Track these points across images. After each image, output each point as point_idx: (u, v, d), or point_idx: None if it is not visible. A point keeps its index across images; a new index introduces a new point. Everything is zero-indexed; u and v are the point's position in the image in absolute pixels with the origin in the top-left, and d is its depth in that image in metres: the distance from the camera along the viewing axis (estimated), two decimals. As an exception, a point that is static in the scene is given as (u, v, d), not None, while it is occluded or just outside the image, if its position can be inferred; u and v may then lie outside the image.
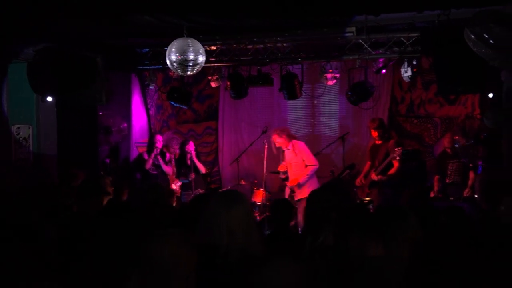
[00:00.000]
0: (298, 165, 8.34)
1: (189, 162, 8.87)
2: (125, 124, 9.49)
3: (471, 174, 8.12)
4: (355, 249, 2.77)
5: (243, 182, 9.61)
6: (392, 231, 2.76)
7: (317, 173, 8.62)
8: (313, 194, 4.14)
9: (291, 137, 8.52)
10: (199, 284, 2.26)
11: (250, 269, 2.02)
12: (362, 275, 2.61)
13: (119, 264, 2.67)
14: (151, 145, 8.97)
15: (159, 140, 8.96)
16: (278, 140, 8.40)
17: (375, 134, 8.39)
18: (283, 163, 8.57)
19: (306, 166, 8.29)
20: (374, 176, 8.15)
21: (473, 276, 2.65)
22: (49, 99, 7.76)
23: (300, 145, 8.44)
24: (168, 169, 9.10)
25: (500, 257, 2.86)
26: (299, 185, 8.22)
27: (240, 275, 2.40)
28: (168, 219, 4.25)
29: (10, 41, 7.16)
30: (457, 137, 8.62)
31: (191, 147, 8.92)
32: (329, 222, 3.59)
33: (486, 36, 4.61)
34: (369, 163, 8.60)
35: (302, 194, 8.00)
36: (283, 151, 8.52)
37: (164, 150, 9.28)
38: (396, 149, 7.98)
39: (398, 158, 7.96)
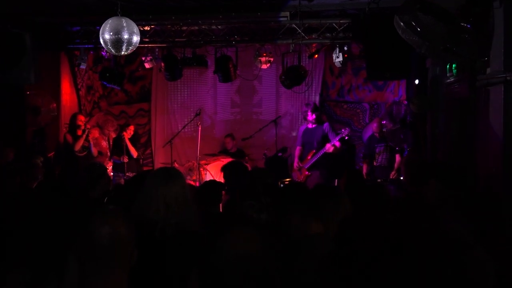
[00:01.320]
0: None
1: (123, 144, 8.75)
2: (54, 105, 9.21)
3: (398, 157, 8.44)
4: (296, 227, 2.85)
5: (176, 165, 9.59)
6: (330, 209, 2.87)
7: (251, 156, 8.76)
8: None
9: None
10: (139, 259, 2.28)
11: (206, 240, 2.06)
12: (304, 252, 2.70)
13: (55, 246, 2.64)
14: (72, 125, 8.75)
15: (82, 120, 8.77)
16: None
17: (312, 117, 8.47)
18: None
19: None
20: (329, 147, 8.18)
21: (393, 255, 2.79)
22: (-27, 77, 7.44)
23: None
24: (95, 151, 8.93)
25: (421, 236, 3.02)
26: None
27: (180, 248, 2.45)
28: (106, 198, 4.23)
29: None
30: (384, 122, 8.94)
31: (130, 131, 8.86)
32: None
33: (414, 24, 4.80)
34: (299, 147, 8.70)
35: None
36: None
37: (92, 131, 9.09)
38: (343, 129, 8.21)
39: (346, 137, 8.17)
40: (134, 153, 9.01)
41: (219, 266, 2.06)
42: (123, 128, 8.99)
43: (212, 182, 5.14)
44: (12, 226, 3.30)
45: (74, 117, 8.87)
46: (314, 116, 8.43)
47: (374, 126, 8.89)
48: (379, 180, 8.23)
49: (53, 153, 9.19)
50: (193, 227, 3.00)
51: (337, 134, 8.25)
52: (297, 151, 8.67)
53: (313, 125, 8.48)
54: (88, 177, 4.44)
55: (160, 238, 2.88)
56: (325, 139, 8.26)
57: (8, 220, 3.46)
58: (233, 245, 2.06)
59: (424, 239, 1.86)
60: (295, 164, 8.69)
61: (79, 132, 8.62)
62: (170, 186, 3.02)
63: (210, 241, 2.11)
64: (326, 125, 8.46)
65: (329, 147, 8.15)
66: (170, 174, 3.13)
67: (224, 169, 4.75)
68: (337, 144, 8.19)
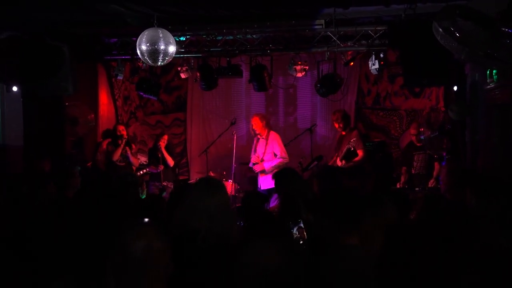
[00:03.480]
0: (269, 157, 8.54)
1: (159, 154, 8.82)
2: (92, 115, 9.35)
3: (436, 165, 8.28)
4: (331, 236, 2.79)
5: (211, 174, 9.59)
6: (368, 219, 2.79)
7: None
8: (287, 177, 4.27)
9: (269, 126, 8.72)
10: (180, 266, 2.27)
11: (232, 251, 2.05)
12: (335, 263, 2.64)
13: (96, 255, 2.65)
14: (114, 136, 8.87)
15: (122, 130, 8.87)
16: (257, 124, 8.58)
17: (336, 126, 8.58)
18: (256, 155, 8.66)
19: (275, 156, 8.45)
20: (338, 162, 8.25)
21: (444, 266, 2.69)
22: (15, 88, 7.60)
23: (274, 136, 8.63)
24: (134, 161, 9.03)
25: (469, 246, 2.91)
26: (264, 172, 8.45)
27: (222, 258, 2.43)
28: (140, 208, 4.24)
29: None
30: (422, 129, 8.78)
31: (165, 140, 8.94)
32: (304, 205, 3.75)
33: (453, 30, 4.70)
34: (336, 154, 8.70)
35: (266, 184, 8.28)
36: (258, 139, 8.63)
37: (130, 141, 9.20)
38: (351, 140, 8.14)
39: (352, 148, 8.09)
40: (171, 161, 9.08)
41: (242, 280, 2.03)
42: (158, 138, 9.07)
43: (255, 192, 5.11)
44: (54, 236, 3.33)
45: (114, 128, 9.03)
46: (337, 125, 8.53)
47: (412, 131, 8.77)
48: (417, 189, 8.08)
49: (90, 163, 9.30)
50: (234, 238, 3.02)
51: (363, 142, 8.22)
52: (334, 157, 8.65)
53: (344, 132, 8.46)
54: (120, 186, 4.47)
55: (202, 246, 2.90)
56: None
57: (49, 230, 3.49)
58: (255, 258, 2.03)
59: (481, 253, 1.79)
60: None
61: (120, 142, 8.75)
62: (213, 196, 3.06)
63: (233, 254, 2.10)
64: (355, 133, 8.42)
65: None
66: (213, 185, 3.18)
67: (276, 176, 4.70)
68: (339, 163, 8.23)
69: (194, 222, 2.98)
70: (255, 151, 8.76)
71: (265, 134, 8.59)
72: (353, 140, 8.10)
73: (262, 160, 8.58)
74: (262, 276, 2.01)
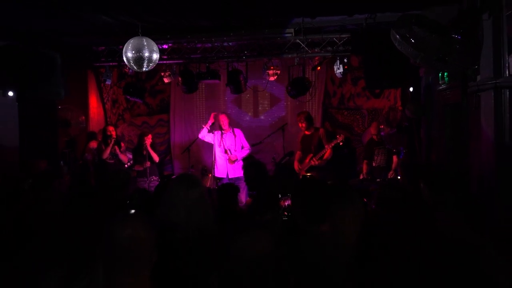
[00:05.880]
0: (239, 149, 8.66)
1: (144, 152, 8.70)
2: (83, 117, 9.20)
3: (395, 159, 8.34)
4: (303, 224, 2.76)
5: (192, 170, 9.54)
6: (339, 208, 2.72)
7: (261, 160, 8.67)
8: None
9: (231, 124, 8.90)
10: (163, 257, 2.23)
11: (229, 239, 2.02)
12: (309, 249, 2.61)
13: (87, 246, 2.59)
14: (104, 136, 8.74)
15: (112, 130, 8.74)
16: (226, 122, 8.63)
17: (301, 125, 8.48)
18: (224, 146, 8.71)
19: (242, 148, 8.64)
20: (314, 161, 8.21)
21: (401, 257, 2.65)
22: (10, 93, 7.41)
23: (240, 132, 8.79)
24: (123, 158, 8.90)
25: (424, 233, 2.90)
26: (236, 160, 8.52)
27: (201, 247, 2.38)
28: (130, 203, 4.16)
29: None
30: (382, 126, 8.83)
31: (149, 139, 8.83)
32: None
33: (409, 36, 4.72)
34: (299, 152, 8.62)
35: (234, 173, 8.47)
36: (222, 134, 8.64)
37: (119, 139, 9.06)
38: (338, 136, 8.10)
39: (341, 143, 8.10)
40: (156, 158, 8.95)
41: (236, 270, 2.00)
42: (141, 138, 8.90)
43: (230, 185, 5.06)
44: (50, 229, 3.24)
45: (104, 129, 8.90)
46: (302, 125, 8.41)
47: (372, 130, 8.81)
48: (378, 180, 8.12)
49: (81, 161, 9.15)
50: (211, 230, 2.95)
51: (331, 140, 8.17)
52: (297, 155, 8.62)
53: (309, 132, 8.42)
54: (114, 182, 4.37)
55: (182, 240, 2.84)
56: (321, 144, 8.20)
57: (47, 223, 3.40)
58: (247, 248, 2.01)
59: (437, 242, 1.78)
60: (296, 167, 8.66)
61: (109, 141, 8.63)
62: (190, 191, 2.99)
63: (225, 245, 2.06)
64: (321, 131, 8.41)
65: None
66: (190, 180, 3.10)
67: (245, 168, 4.66)
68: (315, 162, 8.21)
69: (173, 216, 2.92)
70: (219, 144, 8.74)
71: (231, 130, 8.67)
72: (339, 137, 8.14)
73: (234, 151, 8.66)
74: (254, 266, 1.97)
